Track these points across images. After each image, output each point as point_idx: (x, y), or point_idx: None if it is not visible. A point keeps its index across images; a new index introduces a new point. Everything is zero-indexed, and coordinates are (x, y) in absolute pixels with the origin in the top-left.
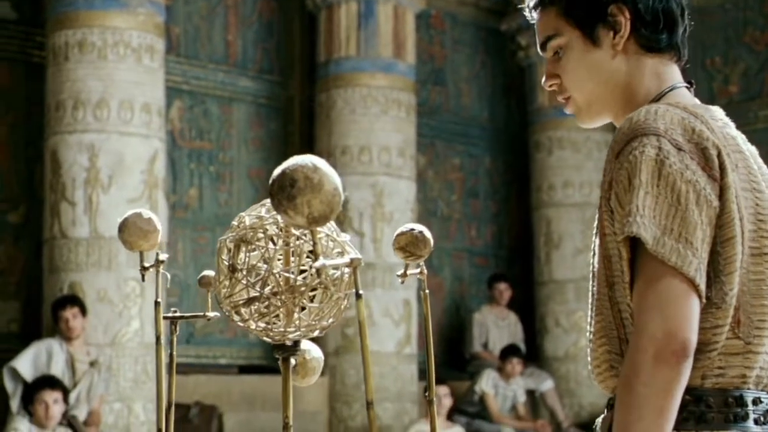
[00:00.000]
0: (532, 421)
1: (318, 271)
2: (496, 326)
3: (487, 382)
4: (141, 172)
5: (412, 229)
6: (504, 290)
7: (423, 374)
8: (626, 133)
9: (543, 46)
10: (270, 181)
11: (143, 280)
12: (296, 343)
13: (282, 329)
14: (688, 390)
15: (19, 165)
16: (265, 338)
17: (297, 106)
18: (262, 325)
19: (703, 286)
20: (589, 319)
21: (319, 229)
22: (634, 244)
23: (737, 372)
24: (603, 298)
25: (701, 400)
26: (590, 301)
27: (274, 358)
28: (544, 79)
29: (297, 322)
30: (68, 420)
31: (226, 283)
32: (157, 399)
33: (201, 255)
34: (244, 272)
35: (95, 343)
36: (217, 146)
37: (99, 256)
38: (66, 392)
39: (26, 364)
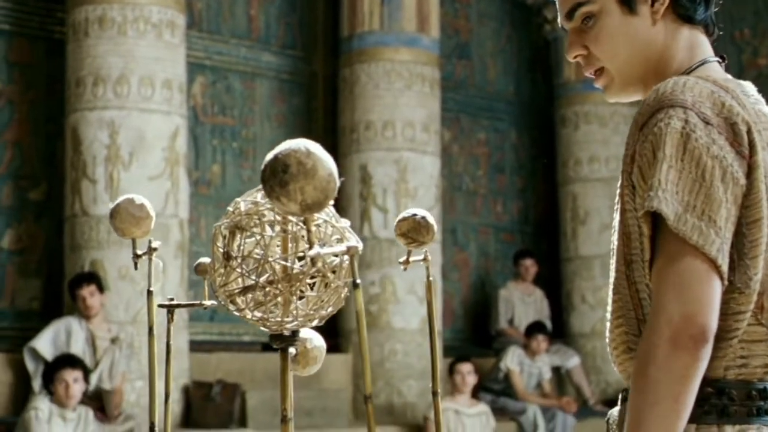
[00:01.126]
0: (557, 399)
1: (313, 260)
2: (521, 302)
3: (513, 359)
4: (162, 149)
5: (414, 215)
6: (530, 266)
7: (448, 351)
8: (651, 104)
9: (570, 14)
10: (262, 167)
11: (135, 268)
12: (294, 332)
13: (279, 319)
14: (710, 382)
15: (40, 142)
16: (262, 328)
17: (320, 82)
18: (259, 314)
19: (725, 267)
20: (608, 299)
21: (316, 215)
22: (656, 220)
23: (760, 362)
24: (621, 277)
25: (723, 393)
26: (610, 279)
27: None
28: (568, 50)
29: (294, 311)
30: (98, 394)
31: (222, 271)
32: (150, 393)
33: None
34: (239, 260)
35: (116, 320)
36: (239, 122)
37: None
38: (87, 371)
39: (46, 343)
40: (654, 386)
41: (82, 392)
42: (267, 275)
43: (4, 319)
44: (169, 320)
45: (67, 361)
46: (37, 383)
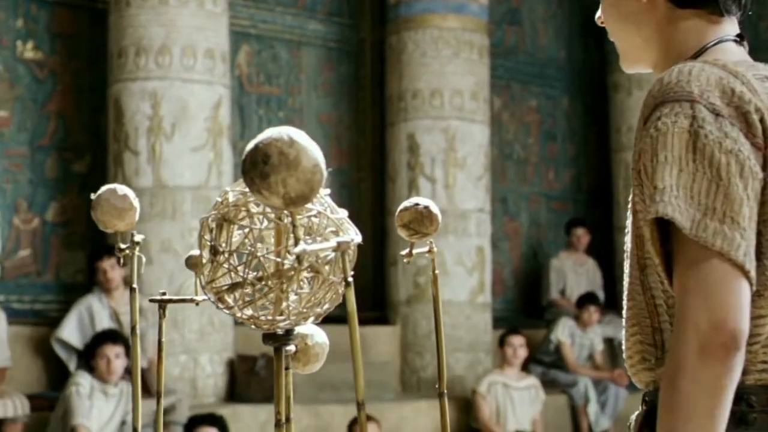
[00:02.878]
0: (609, 371)
1: (299, 258)
2: (573, 272)
3: (564, 331)
4: (205, 119)
5: (417, 205)
6: (582, 235)
7: (498, 323)
8: (655, 96)
9: None
10: (242, 157)
11: (119, 264)
12: (289, 331)
13: (270, 318)
14: None
15: (84, 113)
16: (253, 327)
17: (368, 50)
18: (249, 312)
19: (753, 272)
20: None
21: (309, 205)
22: (667, 225)
23: None
24: (635, 282)
25: (742, 399)
26: (624, 284)
27: (344, 309)
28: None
29: (287, 309)
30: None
31: (209, 266)
32: (133, 398)
33: None
34: (226, 255)
35: (158, 294)
36: (285, 91)
37: (163, 206)
38: (128, 346)
39: (72, 331)
40: (685, 401)
41: (124, 368)
42: (257, 272)
43: (48, 292)
44: (161, 315)
45: (109, 336)
46: (72, 365)
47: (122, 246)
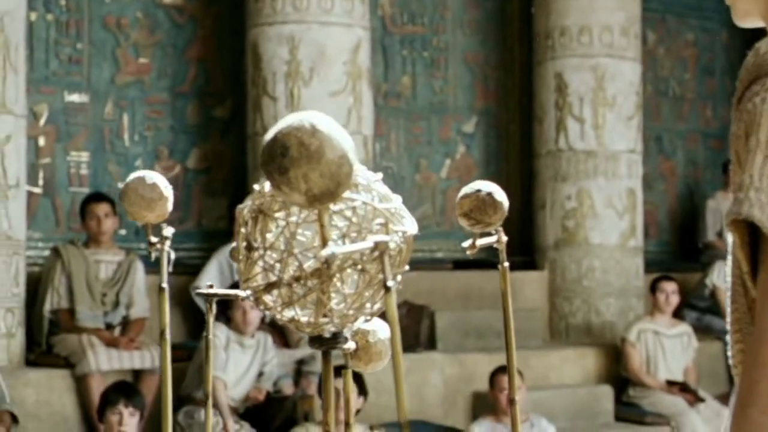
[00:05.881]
0: None
1: (327, 262)
2: None
3: (719, 275)
4: (343, 63)
5: (479, 191)
6: None
7: (651, 266)
8: (750, 70)
9: None
10: (261, 148)
11: (151, 259)
12: (337, 334)
13: (312, 320)
14: None
15: (225, 58)
16: (296, 329)
17: None
18: (289, 314)
19: None
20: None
21: (353, 195)
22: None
23: None
24: (737, 282)
25: None
26: (727, 284)
27: (494, 252)
28: None
29: (330, 312)
30: (273, 321)
31: (244, 263)
32: (163, 399)
33: (416, 146)
34: (261, 252)
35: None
36: (430, 30)
37: None
38: None
39: (211, 281)
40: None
41: (260, 319)
42: (293, 271)
43: (191, 239)
44: (208, 310)
45: None
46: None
47: (152, 240)
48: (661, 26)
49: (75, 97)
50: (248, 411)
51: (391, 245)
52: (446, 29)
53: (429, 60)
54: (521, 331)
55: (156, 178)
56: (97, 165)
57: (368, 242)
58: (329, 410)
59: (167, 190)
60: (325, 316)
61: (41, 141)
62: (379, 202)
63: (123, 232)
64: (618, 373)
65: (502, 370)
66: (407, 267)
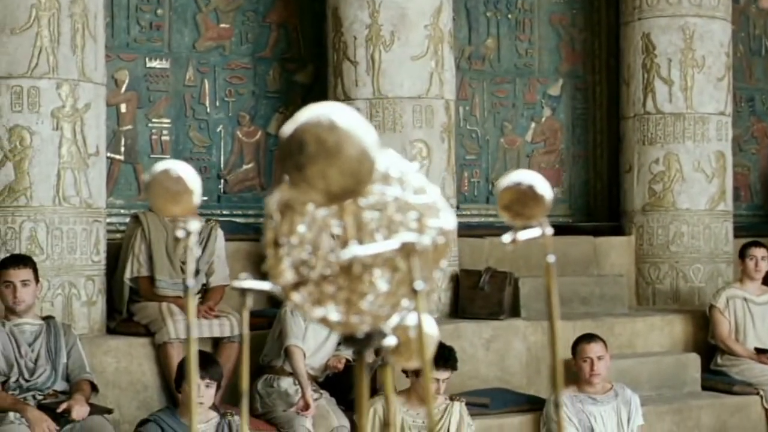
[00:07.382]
0: None
1: (349, 265)
2: None
3: None
4: (425, 26)
5: (519, 184)
6: None
7: (741, 230)
8: None
9: None
10: (279, 144)
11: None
12: (370, 333)
13: (343, 319)
14: None
15: (306, 22)
16: (327, 328)
17: None
18: (320, 313)
19: None
20: None
21: (382, 189)
22: None
23: None
24: None
25: None
26: None
27: (579, 217)
28: None
29: (360, 311)
30: None
31: (272, 261)
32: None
33: (500, 108)
34: (287, 248)
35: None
36: None
37: (383, 118)
38: None
39: None
40: None
41: None
42: (320, 269)
43: None
44: (242, 304)
45: None
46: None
47: (178, 235)
48: None
49: (156, 64)
50: (328, 379)
51: (425, 242)
52: None
53: (513, 22)
54: (607, 298)
55: (182, 170)
56: (178, 131)
57: (394, 242)
58: (363, 415)
59: (194, 183)
60: (356, 313)
61: (122, 108)
62: (414, 195)
63: (205, 198)
64: (706, 341)
65: (585, 338)
66: (445, 263)
